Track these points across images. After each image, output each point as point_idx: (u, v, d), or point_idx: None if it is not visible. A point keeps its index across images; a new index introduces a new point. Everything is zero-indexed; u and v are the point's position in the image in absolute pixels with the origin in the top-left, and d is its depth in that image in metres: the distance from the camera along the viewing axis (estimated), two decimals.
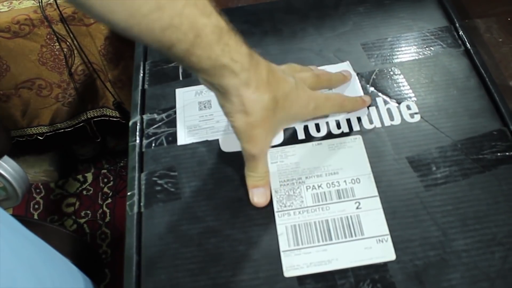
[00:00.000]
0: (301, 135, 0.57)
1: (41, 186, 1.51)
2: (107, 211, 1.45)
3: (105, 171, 1.53)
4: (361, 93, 0.60)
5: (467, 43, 0.63)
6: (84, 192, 1.49)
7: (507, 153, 0.54)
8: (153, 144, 0.58)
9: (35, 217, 1.45)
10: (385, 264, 0.48)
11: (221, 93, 0.47)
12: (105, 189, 1.50)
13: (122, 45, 1.08)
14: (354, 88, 0.61)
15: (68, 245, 0.84)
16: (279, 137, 0.57)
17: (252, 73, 0.46)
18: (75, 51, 1.07)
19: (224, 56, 0.44)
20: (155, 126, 0.60)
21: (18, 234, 0.54)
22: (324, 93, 0.58)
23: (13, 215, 0.58)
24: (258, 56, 0.48)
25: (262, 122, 0.48)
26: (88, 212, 1.45)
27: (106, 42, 1.06)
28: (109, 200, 1.47)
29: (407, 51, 0.64)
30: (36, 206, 1.47)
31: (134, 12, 0.40)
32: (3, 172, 0.84)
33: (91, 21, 1.02)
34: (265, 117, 0.48)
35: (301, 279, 0.48)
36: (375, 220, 0.50)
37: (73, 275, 0.61)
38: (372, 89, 0.60)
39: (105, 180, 1.51)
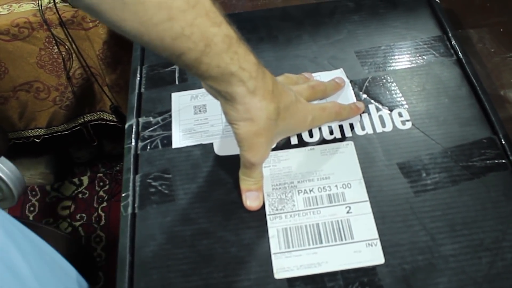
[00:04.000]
0: (294, 140, 0.58)
1: (37, 189, 1.51)
2: (102, 214, 1.45)
3: (101, 174, 1.53)
4: (354, 100, 0.61)
5: (459, 53, 0.64)
6: (80, 195, 1.50)
7: (496, 161, 0.55)
8: (148, 147, 0.59)
9: (30, 219, 1.45)
10: (374, 268, 0.49)
11: (227, 100, 0.48)
12: (101, 193, 1.50)
13: (120, 50, 1.09)
14: (347, 95, 0.62)
15: (62, 247, 0.85)
16: None
17: (259, 81, 0.47)
18: (74, 55, 1.08)
19: (233, 64, 0.45)
20: (151, 129, 0.60)
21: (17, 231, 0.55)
22: (320, 103, 0.59)
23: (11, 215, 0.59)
24: (263, 66, 0.49)
25: (265, 131, 0.49)
26: (84, 215, 1.46)
27: (104, 46, 1.07)
28: (105, 204, 1.47)
29: (400, 60, 0.65)
30: (32, 208, 1.48)
31: (146, 22, 0.40)
32: None
33: (90, 25, 1.03)
34: (268, 126, 0.49)
35: (291, 281, 0.49)
36: (365, 224, 0.51)
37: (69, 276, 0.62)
38: (364, 96, 0.61)
39: (101, 183, 1.52)
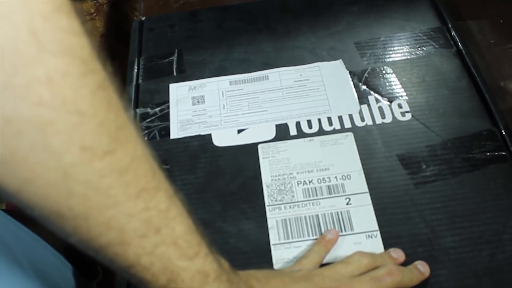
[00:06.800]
0: (293, 131, 0.58)
1: None
2: None
3: None
4: (353, 92, 0.60)
5: (459, 44, 0.64)
6: None
7: (496, 153, 0.54)
8: (146, 138, 0.58)
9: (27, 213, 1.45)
10: None
11: None
12: None
13: (118, 43, 1.08)
14: (346, 87, 0.61)
15: (59, 241, 0.84)
16: (271, 133, 0.58)
17: None
18: None
19: None
20: (149, 120, 0.60)
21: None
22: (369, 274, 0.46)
23: (6, 210, 0.58)
24: None
25: None
26: None
27: (101, 39, 1.06)
28: None
29: (400, 51, 0.64)
30: None
31: (90, 239, 0.31)
32: None
33: (86, 18, 1.02)
34: None
35: None
36: (365, 216, 0.51)
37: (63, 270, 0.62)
38: (364, 87, 0.61)
39: None
